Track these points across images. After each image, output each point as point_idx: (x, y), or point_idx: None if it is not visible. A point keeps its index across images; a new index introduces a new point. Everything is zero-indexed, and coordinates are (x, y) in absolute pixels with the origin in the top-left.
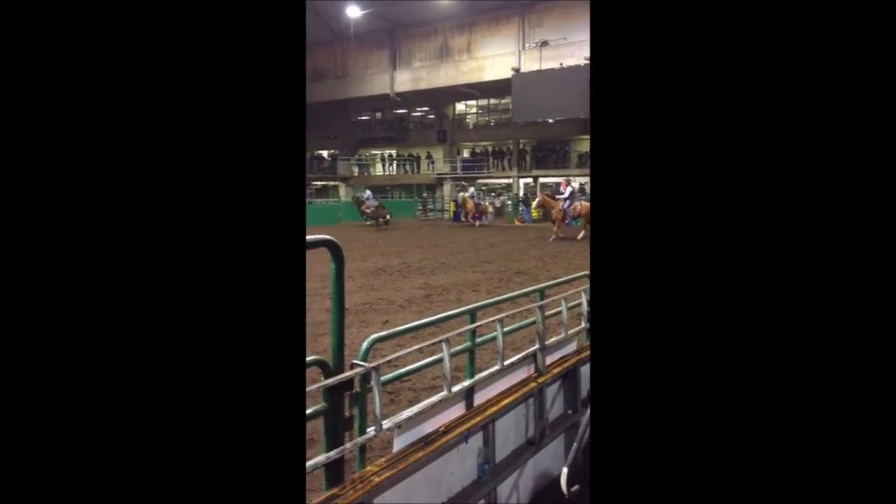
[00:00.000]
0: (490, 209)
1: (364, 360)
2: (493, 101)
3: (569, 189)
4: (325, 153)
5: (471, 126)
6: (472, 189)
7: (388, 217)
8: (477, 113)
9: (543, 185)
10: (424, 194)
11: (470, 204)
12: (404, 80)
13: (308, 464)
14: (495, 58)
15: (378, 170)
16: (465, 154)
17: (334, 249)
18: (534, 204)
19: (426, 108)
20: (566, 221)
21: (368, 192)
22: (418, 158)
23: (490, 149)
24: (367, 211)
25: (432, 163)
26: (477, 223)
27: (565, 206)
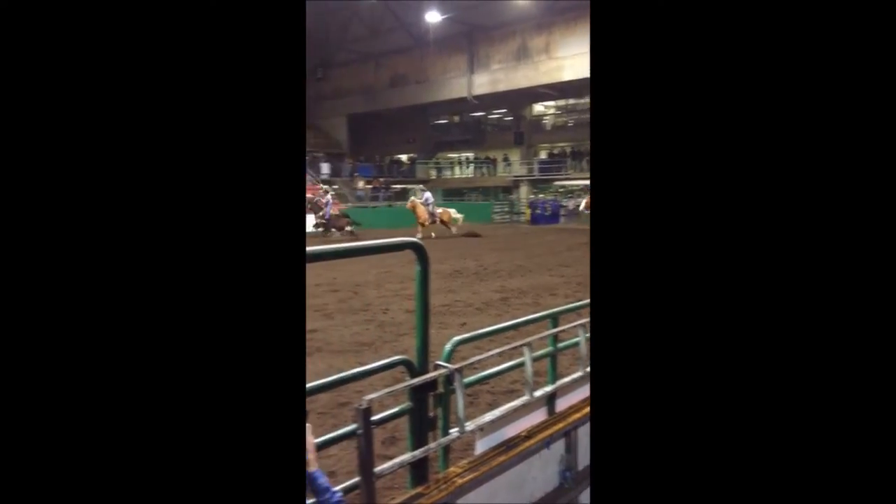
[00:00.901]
0: (450, 218)
1: (447, 361)
2: (571, 101)
3: None
4: (403, 157)
5: (548, 127)
6: (427, 194)
7: (349, 228)
8: (555, 114)
9: None
10: (512, 197)
11: (422, 210)
12: (482, 83)
13: (395, 461)
14: (574, 57)
15: (455, 173)
16: (543, 156)
17: (420, 252)
18: (581, 206)
19: (504, 110)
20: None
21: (329, 197)
22: (495, 161)
23: (568, 150)
24: (322, 220)
25: (508, 165)
26: (452, 229)
27: None
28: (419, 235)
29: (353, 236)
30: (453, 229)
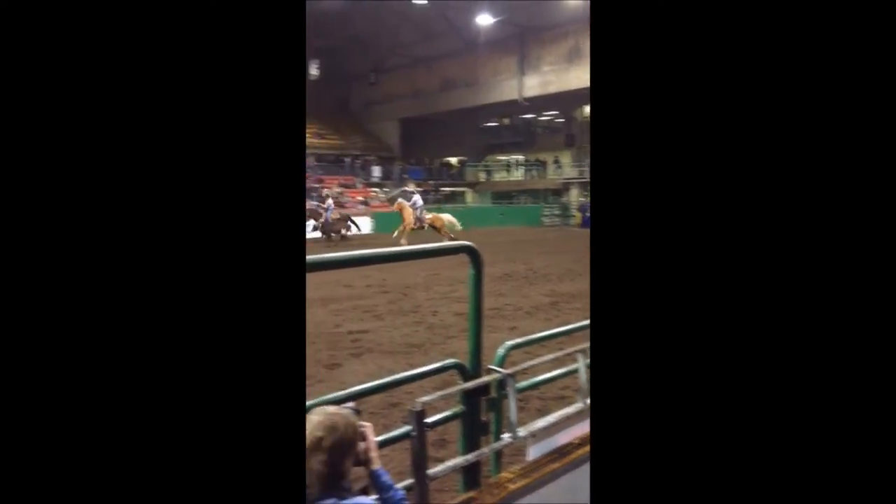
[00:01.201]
0: (443, 224)
1: (500, 366)
2: None
3: None
4: (453, 160)
5: None
6: (416, 196)
7: (344, 233)
8: None
9: None
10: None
11: (409, 213)
12: (533, 85)
13: (448, 464)
14: None
15: (505, 175)
16: None
17: (474, 255)
18: None
19: (555, 112)
20: None
21: (330, 202)
22: (545, 163)
23: None
24: (320, 225)
25: (559, 167)
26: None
27: None
28: (403, 241)
29: (346, 238)
30: (447, 238)
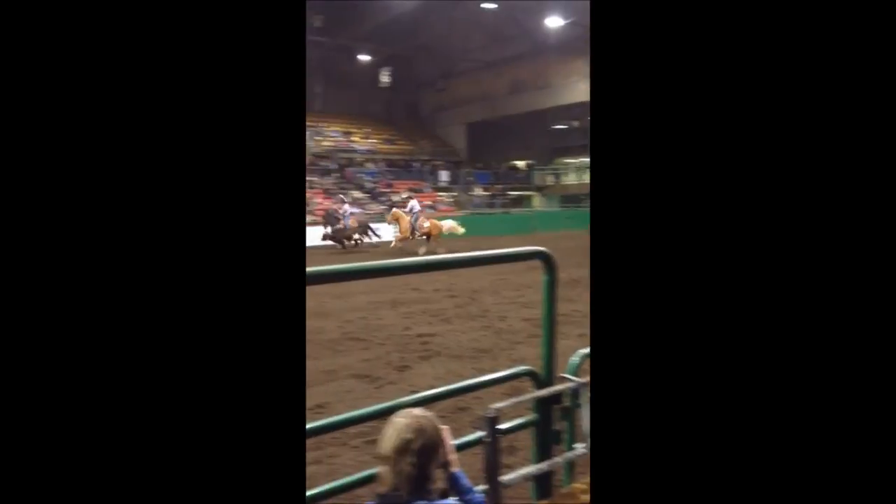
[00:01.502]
0: (439, 232)
1: (573, 374)
2: None
3: None
4: (520, 163)
5: None
6: (413, 202)
7: (358, 240)
8: None
9: None
10: None
11: (405, 222)
12: None
13: (521, 472)
14: None
15: (574, 178)
16: None
17: (548, 261)
18: None
19: None
20: None
21: (346, 206)
22: None
23: None
24: (329, 233)
25: None
26: (421, 249)
27: None
28: (411, 249)
29: (372, 246)
30: (429, 245)
